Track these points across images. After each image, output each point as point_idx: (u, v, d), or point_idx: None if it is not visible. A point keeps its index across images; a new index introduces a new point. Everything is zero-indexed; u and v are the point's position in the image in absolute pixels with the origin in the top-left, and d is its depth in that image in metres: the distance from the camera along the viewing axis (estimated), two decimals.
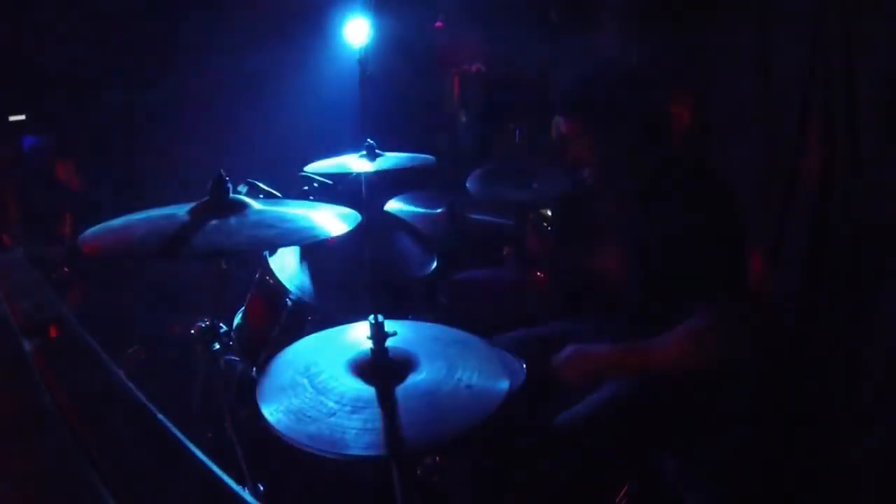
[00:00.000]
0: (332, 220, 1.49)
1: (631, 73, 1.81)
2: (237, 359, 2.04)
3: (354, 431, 1.13)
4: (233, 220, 1.38)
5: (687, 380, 1.67)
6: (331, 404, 1.20)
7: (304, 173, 2.28)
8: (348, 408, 1.19)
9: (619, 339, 1.72)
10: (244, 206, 1.44)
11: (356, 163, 2.21)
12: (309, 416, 1.18)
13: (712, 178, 1.73)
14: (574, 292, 2.24)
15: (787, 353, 2.32)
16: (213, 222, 1.36)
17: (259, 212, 1.44)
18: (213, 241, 1.34)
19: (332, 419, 1.17)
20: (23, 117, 3.50)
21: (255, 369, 1.95)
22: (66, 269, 3.08)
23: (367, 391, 1.24)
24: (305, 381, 1.28)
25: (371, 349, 1.29)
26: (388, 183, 2.58)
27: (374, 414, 1.18)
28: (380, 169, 2.19)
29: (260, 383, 1.29)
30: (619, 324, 1.88)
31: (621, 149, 1.77)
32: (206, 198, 1.42)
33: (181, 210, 1.43)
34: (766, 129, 2.45)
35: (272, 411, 1.20)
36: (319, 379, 1.28)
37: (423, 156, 2.39)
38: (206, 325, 1.59)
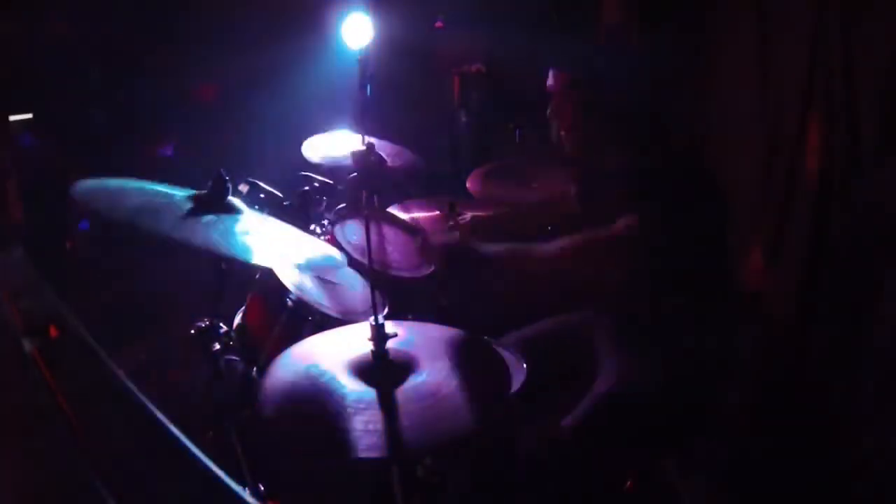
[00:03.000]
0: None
1: (630, 68, 1.81)
2: (237, 359, 2.03)
3: (355, 433, 1.13)
4: (226, 222, 1.39)
5: (686, 379, 1.66)
6: (331, 405, 1.20)
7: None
8: (349, 409, 1.19)
9: (620, 335, 1.72)
10: (238, 211, 1.45)
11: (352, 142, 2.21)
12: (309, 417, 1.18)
13: (706, 178, 1.73)
14: (574, 290, 2.24)
15: (786, 354, 2.32)
16: (209, 218, 1.37)
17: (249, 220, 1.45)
18: (206, 240, 1.34)
19: (333, 420, 1.16)
20: (29, 116, 3.48)
21: (255, 370, 1.95)
22: None
23: (368, 392, 1.24)
24: (306, 382, 1.28)
25: (371, 350, 1.29)
26: (388, 184, 2.58)
27: (375, 415, 1.18)
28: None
29: (260, 384, 1.29)
30: (619, 322, 1.87)
31: (605, 137, 1.77)
32: (205, 191, 1.43)
33: (179, 193, 1.44)
34: (766, 128, 2.44)
35: (272, 412, 1.19)
36: (320, 380, 1.28)
37: (409, 153, 2.41)
38: (206, 325, 1.59)
